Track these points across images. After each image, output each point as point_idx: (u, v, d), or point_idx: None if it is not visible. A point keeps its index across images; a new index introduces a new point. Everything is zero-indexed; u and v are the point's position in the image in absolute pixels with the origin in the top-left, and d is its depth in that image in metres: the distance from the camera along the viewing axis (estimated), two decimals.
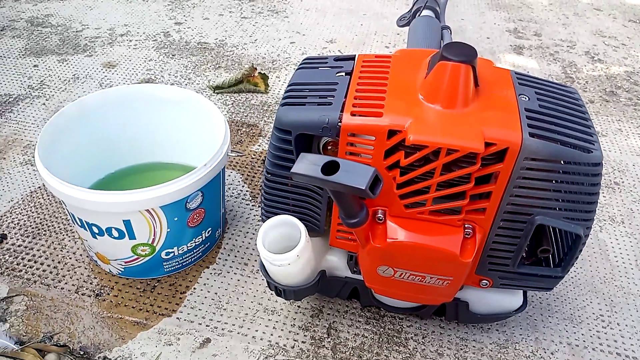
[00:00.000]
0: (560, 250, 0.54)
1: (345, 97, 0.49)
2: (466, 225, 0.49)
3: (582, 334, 0.67)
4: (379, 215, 0.50)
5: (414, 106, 0.46)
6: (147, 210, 0.60)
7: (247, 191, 0.86)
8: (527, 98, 0.48)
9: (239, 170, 0.90)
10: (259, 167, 0.91)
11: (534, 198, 0.47)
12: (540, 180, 0.46)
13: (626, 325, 0.68)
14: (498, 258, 0.53)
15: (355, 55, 0.55)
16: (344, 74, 0.53)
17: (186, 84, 1.10)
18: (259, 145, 0.95)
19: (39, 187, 0.85)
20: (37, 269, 0.72)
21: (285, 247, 0.53)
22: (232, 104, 1.05)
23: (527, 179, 0.46)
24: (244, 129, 0.99)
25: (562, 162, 0.45)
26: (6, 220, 0.79)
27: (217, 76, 1.13)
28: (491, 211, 0.48)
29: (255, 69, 1.10)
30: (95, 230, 0.63)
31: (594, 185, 0.46)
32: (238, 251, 0.76)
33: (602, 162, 0.45)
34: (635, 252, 0.79)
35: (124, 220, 0.60)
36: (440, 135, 0.44)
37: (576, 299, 0.71)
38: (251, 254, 0.75)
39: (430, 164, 0.45)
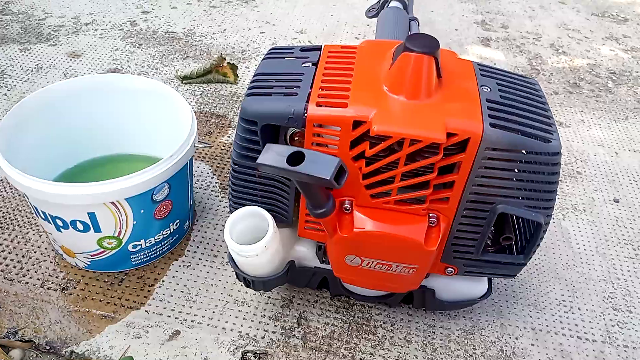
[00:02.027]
0: (522, 238, 0.56)
1: (311, 87, 0.49)
2: (430, 215, 0.50)
3: (546, 319, 0.69)
4: (346, 205, 0.51)
5: (379, 97, 0.47)
6: (112, 203, 0.59)
7: (216, 183, 0.85)
8: (488, 89, 0.49)
9: (207, 161, 0.89)
10: (228, 158, 0.90)
11: (495, 187, 0.48)
12: (501, 169, 0.47)
13: (587, 310, 0.71)
14: (462, 246, 0.54)
15: (321, 45, 0.55)
16: (310, 64, 0.53)
17: (153, 74, 1.08)
18: (229, 137, 0.95)
19: (1, 180, 0.82)
20: (0, 263, 0.70)
21: (254, 238, 0.53)
22: (201, 94, 1.04)
23: (489, 169, 0.47)
24: (212, 120, 0.98)
25: (522, 151, 0.46)
26: None
27: (185, 66, 1.11)
28: (454, 200, 0.49)
29: (224, 59, 1.09)
30: (60, 223, 0.62)
31: (553, 174, 0.48)
32: (207, 243, 0.75)
33: (561, 151, 0.47)
34: (596, 240, 0.81)
35: (88, 213, 0.59)
36: (403, 126, 0.44)
37: (540, 285, 0.74)
38: (221, 246, 0.75)
39: (395, 154, 0.46)
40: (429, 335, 0.66)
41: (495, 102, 0.47)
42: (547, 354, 0.65)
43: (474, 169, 0.46)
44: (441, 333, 0.66)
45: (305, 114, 0.47)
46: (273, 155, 0.44)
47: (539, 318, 0.69)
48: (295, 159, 0.44)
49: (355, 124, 0.46)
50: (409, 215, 0.50)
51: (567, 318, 0.70)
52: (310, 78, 0.50)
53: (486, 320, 0.68)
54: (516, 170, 0.47)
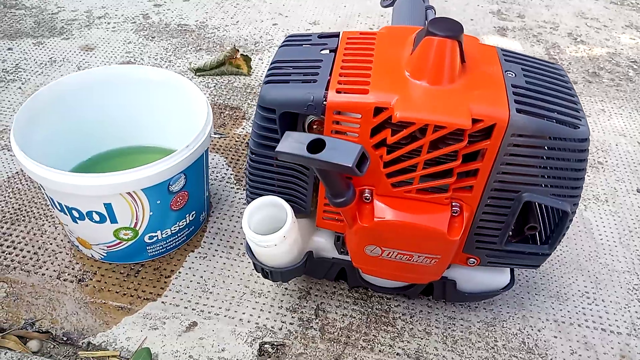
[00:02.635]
0: (547, 227, 0.54)
1: (330, 74, 0.48)
2: (453, 204, 0.49)
3: (568, 311, 0.68)
4: (366, 194, 0.50)
5: (400, 83, 0.46)
6: (129, 193, 0.58)
7: (231, 174, 0.84)
8: (513, 74, 0.47)
9: (222, 153, 0.88)
10: (243, 150, 0.89)
11: (521, 175, 0.47)
12: (528, 156, 0.45)
13: (611, 302, 0.69)
14: (485, 236, 0.53)
15: (339, 32, 0.54)
16: (328, 51, 0.52)
17: (167, 67, 1.08)
18: (243, 128, 0.94)
19: (17, 173, 0.82)
20: (17, 255, 0.70)
21: (272, 228, 0.52)
22: (215, 86, 1.04)
23: (515, 156, 0.45)
24: (227, 112, 0.97)
25: (549, 138, 0.45)
26: None
27: (199, 58, 1.11)
28: (478, 189, 0.48)
29: (237, 50, 1.08)
30: (76, 214, 0.61)
31: (581, 161, 0.46)
32: (223, 235, 0.75)
33: (589, 137, 0.45)
34: (619, 230, 0.79)
35: (105, 204, 0.59)
36: (427, 112, 0.43)
37: (562, 277, 0.72)
38: (237, 237, 0.74)
39: (417, 142, 0.45)
40: (449, 327, 0.65)
41: (521, 88, 0.46)
42: (570, 347, 0.64)
43: (499, 156, 0.45)
44: (461, 325, 0.65)
45: (325, 101, 0.46)
46: (292, 143, 0.43)
47: (561, 310, 0.68)
48: (316, 146, 0.43)
49: (376, 110, 0.45)
50: (431, 204, 0.49)
51: (591, 310, 0.68)
52: (329, 65, 0.49)
53: (507, 312, 0.67)
54: (543, 157, 0.46)
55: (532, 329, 0.65)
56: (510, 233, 0.56)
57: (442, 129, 0.43)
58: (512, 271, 0.61)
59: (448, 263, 0.53)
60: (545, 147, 0.45)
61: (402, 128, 0.44)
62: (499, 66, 0.48)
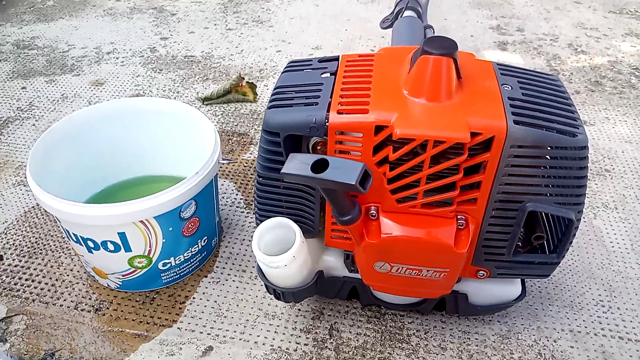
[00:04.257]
0: (554, 236, 0.55)
1: (331, 96, 0.49)
2: (459, 217, 0.50)
3: (584, 320, 0.67)
4: (372, 211, 0.51)
5: (399, 101, 0.47)
6: (142, 222, 0.60)
7: (241, 199, 0.86)
8: (510, 87, 0.49)
9: (231, 179, 0.90)
10: (251, 174, 0.91)
11: (523, 185, 0.48)
12: (528, 166, 0.46)
13: (626, 309, 0.69)
14: (493, 247, 0.53)
15: (339, 55, 0.56)
16: (328, 74, 0.53)
17: (175, 98, 1.11)
18: (251, 154, 0.96)
19: (32, 207, 0.85)
20: (35, 287, 0.72)
21: (281, 249, 0.53)
22: (222, 114, 1.06)
23: (515, 166, 0.46)
24: (234, 138, 0.99)
25: (548, 147, 0.45)
26: (1, 242, 0.78)
27: (206, 88, 1.14)
28: (482, 201, 0.49)
29: (243, 78, 1.10)
30: (91, 244, 0.63)
31: (582, 169, 0.47)
32: (235, 259, 0.76)
33: (588, 145, 0.46)
34: (630, 237, 0.79)
35: (118, 233, 0.61)
36: (426, 128, 0.44)
37: (575, 286, 0.72)
38: (249, 261, 0.75)
39: (419, 157, 0.46)
40: (464, 342, 0.65)
41: (517, 100, 0.47)
42: (588, 356, 0.63)
43: (500, 167, 0.46)
44: (476, 339, 0.65)
45: (327, 122, 0.47)
46: (297, 164, 0.45)
47: (576, 319, 0.67)
48: (320, 166, 0.44)
49: (377, 128, 0.46)
50: (436, 218, 0.50)
51: (607, 318, 0.68)
52: (330, 87, 0.51)
53: (522, 324, 0.67)
54: (543, 166, 0.47)
55: (548, 340, 0.65)
56: (520, 243, 0.56)
57: (442, 144, 0.44)
58: (523, 282, 0.61)
59: (457, 276, 0.54)
60: (546, 157, 0.46)
61: (403, 144, 0.46)
62: (495, 80, 0.49)
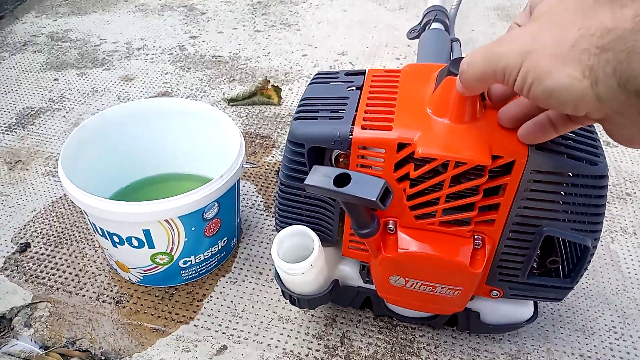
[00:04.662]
0: (569, 260, 0.55)
1: (356, 110, 0.50)
2: (476, 236, 0.51)
3: (595, 346, 0.67)
4: (390, 226, 0.52)
5: (423, 120, 0.48)
6: (166, 220, 0.62)
7: (261, 201, 0.88)
8: None
9: (252, 181, 0.92)
10: (272, 177, 0.92)
11: (541, 210, 0.48)
12: (547, 192, 0.47)
13: (639, 338, 0.69)
14: (508, 269, 0.54)
15: (365, 70, 0.57)
16: (354, 88, 0.54)
17: (201, 97, 1.13)
18: (273, 157, 0.97)
19: (60, 198, 0.87)
20: (60, 276, 0.74)
21: (299, 256, 0.55)
22: (246, 116, 1.08)
23: (534, 191, 0.47)
24: (257, 141, 1.01)
25: (568, 174, 0.46)
26: (29, 230, 0.81)
27: (232, 89, 1.16)
28: (500, 222, 0.49)
29: (269, 81, 1.12)
30: (116, 239, 0.65)
31: (600, 197, 0.47)
32: (253, 260, 0.77)
33: (607, 174, 0.46)
34: None
35: (143, 230, 0.63)
36: (448, 149, 0.45)
37: (588, 310, 0.72)
38: (265, 263, 0.77)
39: (439, 176, 0.47)
40: (474, 359, 0.65)
41: None
42: None
43: (519, 191, 0.47)
44: (486, 357, 0.66)
45: (351, 137, 0.48)
46: (320, 177, 0.46)
47: (587, 344, 0.68)
48: (341, 180, 0.45)
49: (399, 146, 0.47)
50: (454, 237, 0.51)
51: (618, 345, 0.67)
52: (355, 101, 0.52)
53: (532, 345, 0.67)
54: (562, 193, 0.47)
55: None
56: (535, 265, 0.57)
57: (463, 165, 0.45)
58: (535, 304, 0.61)
59: (471, 295, 0.55)
60: (565, 184, 0.47)
61: (425, 163, 0.47)
62: None
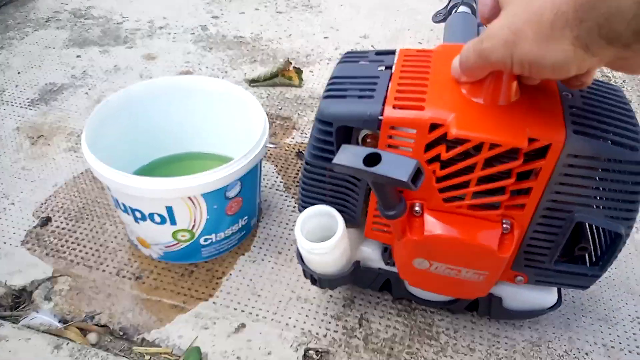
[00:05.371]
0: (597, 248, 0.54)
1: (387, 90, 0.49)
2: (504, 221, 0.50)
3: (618, 336, 0.66)
4: (417, 208, 0.51)
5: (457, 100, 0.47)
6: (189, 198, 0.62)
7: (280, 182, 0.87)
8: (570, 95, 0.48)
9: (273, 161, 0.91)
10: (292, 159, 0.92)
11: (574, 195, 0.47)
12: (583, 177, 0.46)
13: None
14: (535, 254, 0.53)
15: (395, 49, 0.56)
16: (384, 67, 0.53)
17: (223, 77, 1.12)
18: (293, 138, 0.97)
19: (82, 173, 0.88)
20: (80, 251, 0.75)
21: (322, 236, 0.54)
22: (267, 97, 1.07)
23: (569, 176, 0.46)
24: (278, 122, 1.00)
25: (605, 159, 0.45)
26: (51, 204, 0.82)
27: (253, 70, 1.15)
28: (530, 207, 0.48)
29: (290, 63, 1.11)
30: (138, 215, 0.65)
31: (638, 184, 0.46)
32: (272, 240, 0.77)
33: None
34: None
35: (166, 207, 0.63)
36: (483, 130, 0.44)
37: (611, 299, 0.71)
38: (284, 243, 0.77)
39: (472, 159, 0.46)
40: (493, 345, 0.65)
41: (577, 108, 0.46)
42: None
43: (553, 176, 0.45)
44: (506, 343, 0.65)
45: (381, 116, 0.48)
46: (349, 156, 0.45)
47: (610, 334, 0.67)
48: (372, 160, 0.44)
49: (432, 126, 0.46)
50: (482, 221, 0.50)
51: None
52: (386, 81, 0.51)
53: (553, 333, 0.66)
54: (598, 178, 0.46)
55: (580, 352, 0.65)
56: (561, 252, 0.56)
57: (498, 147, 0.44)
58: (559, 291, 0.60)
59: (496, 280, 0.54)
60: (601, 169, 0.45)
61: (457, 145, 0.46)
62: (556, 86, 0.49)
